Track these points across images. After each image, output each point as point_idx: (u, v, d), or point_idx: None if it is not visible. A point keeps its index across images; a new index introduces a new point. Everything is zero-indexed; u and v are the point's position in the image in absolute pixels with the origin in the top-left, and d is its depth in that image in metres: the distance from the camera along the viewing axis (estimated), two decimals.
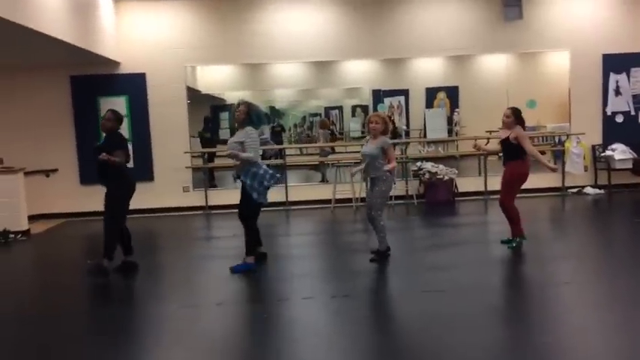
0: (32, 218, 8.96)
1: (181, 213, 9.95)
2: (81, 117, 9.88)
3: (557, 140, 10.87)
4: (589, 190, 10.29)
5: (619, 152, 10.12)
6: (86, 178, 9.56)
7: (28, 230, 8.56)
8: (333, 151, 11.68)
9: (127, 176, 6.10)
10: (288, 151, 11.21)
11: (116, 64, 9.80)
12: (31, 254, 7.92)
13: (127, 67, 9.92)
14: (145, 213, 9.26)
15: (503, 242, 6.50)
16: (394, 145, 6.73)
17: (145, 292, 5.82)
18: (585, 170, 10.29)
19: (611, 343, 3.97)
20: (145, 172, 9.71)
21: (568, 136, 10.40)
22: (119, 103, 9.84)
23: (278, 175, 6.02)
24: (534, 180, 10.50)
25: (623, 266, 5.88)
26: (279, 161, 10.14)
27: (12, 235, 8.25)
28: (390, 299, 5.26)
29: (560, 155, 10.50)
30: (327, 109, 13.98)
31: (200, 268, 6.26)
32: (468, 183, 10.31)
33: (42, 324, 4.76)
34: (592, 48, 10.35)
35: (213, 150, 10.75)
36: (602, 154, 10.30)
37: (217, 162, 10.87)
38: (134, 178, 6.21)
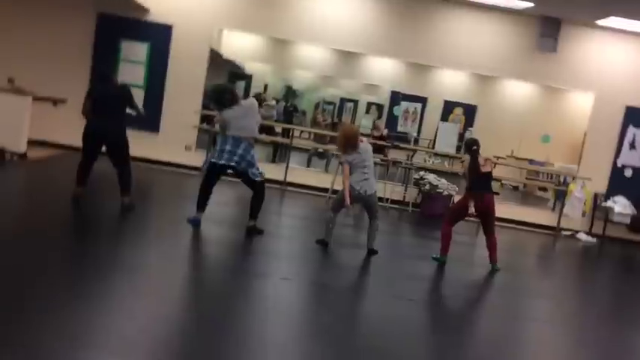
0: (32, 143, 8.93)
1: (180, 170, 9.93)
2: (100, 55, 9.83)
3: (562, 180, 10.85)
4: (582, 236, 10.29)
5: (620, 205, 10.11)
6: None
7: (25, 154, 8.54)
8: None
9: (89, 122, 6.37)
10: (296, 133, 11.16)
11: (145, 10, 9.73)
12: (22, 177, 7.94)
13: (155, 16, 9.85)
14: (145, 163, 9.24)
15: (433, 258, 6.56)
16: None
17: (128, 237, 5.82)
18: (583, 215, 10.27)
19: None
20: (151, 124, 9.67)
21: (574, 178, 10.38)
22: (141, 50, 9.82)
23: (211, 160, 6.07)
24: (530, 213, 10.63)
25: (596, 314, 5.90)
26: (285, 140, 10.10)
27: (8, 155, 8.24)
28: (362, 297, 5.28)
29: (561, 196, 10.49)
30: (343, 100, 13.95)
31: (186, 228, 6.25)
32: None
33: (17, 245, 4.76)
34: (617, 97, 10.30)
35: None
36: (603, 204, 10.29)
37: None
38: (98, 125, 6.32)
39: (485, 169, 6.43)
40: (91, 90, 6.59)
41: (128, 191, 6.38)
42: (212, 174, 6.19)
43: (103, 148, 6.43)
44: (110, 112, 6.29)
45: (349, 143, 6.18)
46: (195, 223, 6.19)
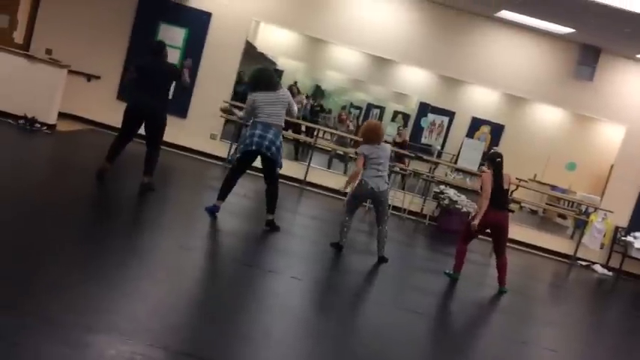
0: (62, 116, 9.07)
1: (203, 159, 10.00)
2: (138, 35, 9.94)
3: (582, 209, 10.72)
4: (598, 268, 10.15)
5: None
6: (124, 94, 9.64)
7: (55, 125, 8.68)
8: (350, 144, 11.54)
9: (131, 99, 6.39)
10: (319, 133, 11.17)
11: None
12: (49, 148, 8.05)
13: (196, 2, 9.94)
14: (170, 147, 9.34)
15: (446, 274, 6.53)
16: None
17: (145, 219, 5.89)
18: (601, 248, 10.14)
19: None
20: (180, 109, 9.76)
21: (596, 209, 10.25)
22: (179, 34, 9.92)
23: (245, 149, 6.01)
24: (547, 239, 10.51)
25: (606, 348, 5.83)
26: (308, 139, 10.13)
27: (38, 125, 8.37)
28: (368, 304, 5.27)
29: (581, 225, 10.37)
30: (370, 106, 13.92)
31: (203, 216, 6.30)
32: None
33: (35, 217, 4.84)
34: None
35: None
36: (623, 238, 10.14)
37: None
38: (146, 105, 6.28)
39: (504, 185, 6.34)
40: (140, 62, 6.39)
41: (151, 172, 6.36)
42: (243, 163, 6.17)
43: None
44: (156, 89, 6.23)
45: (372, 135, 6.19)
46: (213, 211, 6.22)
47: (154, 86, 6.23)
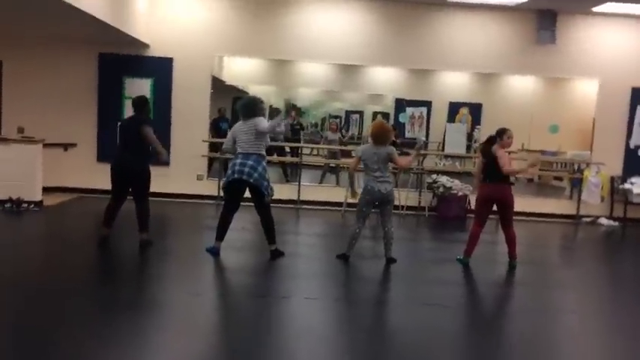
0: (47, 190, 9.05)
1: (194, 200, 9.99)
2: (105, 95, 9.97)
3: (576, 168, 10.78)
4: (603, 220, 10.19)
5: (638, 186, 10.01)
6: (103, 156, 9.64)
7: (42, 201, 8.65)
8: (343, 154, 11.56)
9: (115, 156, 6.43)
10: (303, 150, 11.19)
11: (145, 45, 9.88)
12: (41, 225, 8.00)
13: (156, 50, 9.99)
14: (158, 197, 9.31)
15: (458, 260, 6.56)
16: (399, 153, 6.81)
17: (151, 274, 5.86)
18: (602, 201, 10.19)
19: None
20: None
21: (588, 164, 10.31)
22: (145, 85, 9.95)
23: (233, 176, 6.02)
24: (548, 204, 10.55)
25: (629, 299, 5.83)
26: (294, 159, 10.15)
27: (25, 205, 8.35)
28: (391, 308, 5.25)
29: (577, 183, 10.42)
30: (348, 113, 13.97)
31: (206, 258, 6.28)
32: None
33: (43, 294, 4.81)
34: (622, 80, 10.25)
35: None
36: (621, 187, 10.19)
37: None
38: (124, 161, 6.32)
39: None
40: (122, 120, 6.68)
41: (146, 228, 6.40)
42: (231, 196, 6.19)
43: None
44: (130, 144, 6.27)
45: (377, 136, 6.21)
46: (214, 252, 6.22)
47: (128, 142, 6.30)
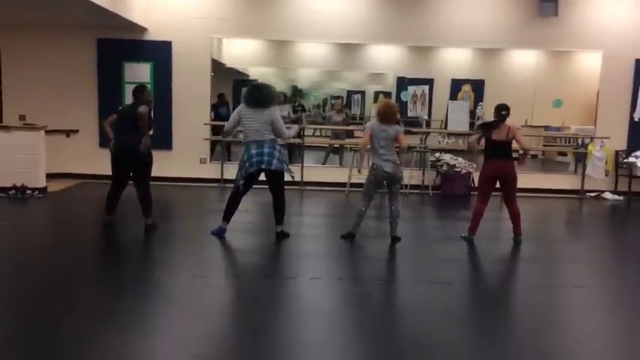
0: (50, 176, 9.06)
1: (197, 184, 9.99)
2: (105, 80, 9.92)
3: (580, 142, 10.72)
4: (608, 195, 10.16)
5: None
6: (105, 141, 9.60)
7: (46, 188, 8.66)
8: (347, 134, 11.52)
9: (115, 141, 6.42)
10: (306, 132, 11.16)
11: (143, 29, 9.80)
12: (46, 211, 8.04)
13: (154, 34, 9.91)
14: (161, 181, 9.30)
15: (462, 237, 6.55)
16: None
17: (156, 258, 5.88)
18: (606, 175, 10.14)
19: (618, 347, 3.93)
20: (164, 141, 9.75)
21: (592, 139, 10.24)
22: (144, 69, 9.90)
23: (253, 168, 5.97)
24: (553, 180, 10.51)
25: (636, 272, 5.82)
26: (297, 140, 10.11)
27: (29, 192, 8.36)
28: (396, 287, 5.26)
29: (582, 158, 10.37)
30: (350, 93, 13.90)
31: (211, 240, 6.29)
32: None
33: (51, 279, 4.83)
34: (625, 52, 10.13)
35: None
36: (625, 161, 10.14)
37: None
38: (126, 144, 6.29)
39: (499, 136, 6.32)
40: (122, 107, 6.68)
41: (149, 212, 6.44)
42: (247, 184, 6.14)
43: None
44: (130, 129, 6.25)
45: (383, 115, 6.21)
46: (220, 233, 6.23)
47: (126, 125, 6.28)
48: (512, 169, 6.35)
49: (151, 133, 6.40)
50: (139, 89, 6.53)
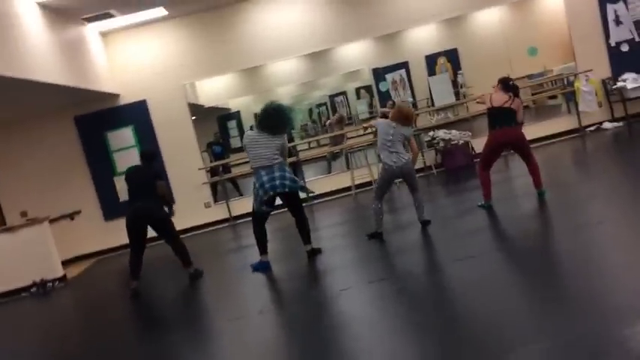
0: (65, 263, 9.08)
1: (206, 229, 10.00)
2: (92, 155, 10.00)
3: (566, 82, 10.69)
4: (607, 124, 10.11)
5: (631, 81, 9.92)
6: (109, 214, 9.69)
7: (65, 276, 8.68)
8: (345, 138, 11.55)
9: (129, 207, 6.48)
10: (300, 147, 11.18)
11: (116, 96, 9.87)
12: (71, 299, 8.00)
13: (127, 97, 9.99)
14: None
15: (479, 206, 6.53)
16: None
17: (191, 311, 5.82)
18: (600, 106, 10.11)
19: None
20: None
21: (576, 75, 10.22)
22: (127, 134, 9.96)
23: (270, 193, 5.86)
24: (550, 125, 10.45)
25: None
26: (292, 159, 10.12)
27: (50, 284, 8.38)
28: (425, 274, 5.14)
29: (571, 96, 10.34)
30: (332, 97, 13.90)
31: (237, 279, 6.26)
32: (483, 142, 10.13)
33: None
34: None
35: (225, 161, 10.82)
36: (614, 87, 10.10)
37: (235, 171, 10.97)
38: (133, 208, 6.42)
39: (500, 103, 6.33)
40: (127, 172, 6.65)
41: (189, 261, 6.55)
42: (266, 211, 6.05)
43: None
44: (143, 192, 6.35)
45: (399, 116, 6.21)
46: (264, 267, 6.15)
47: (142, 191, 6.36)
48: (519, 133, 6.40)
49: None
50: (152, 155, 6.71)
